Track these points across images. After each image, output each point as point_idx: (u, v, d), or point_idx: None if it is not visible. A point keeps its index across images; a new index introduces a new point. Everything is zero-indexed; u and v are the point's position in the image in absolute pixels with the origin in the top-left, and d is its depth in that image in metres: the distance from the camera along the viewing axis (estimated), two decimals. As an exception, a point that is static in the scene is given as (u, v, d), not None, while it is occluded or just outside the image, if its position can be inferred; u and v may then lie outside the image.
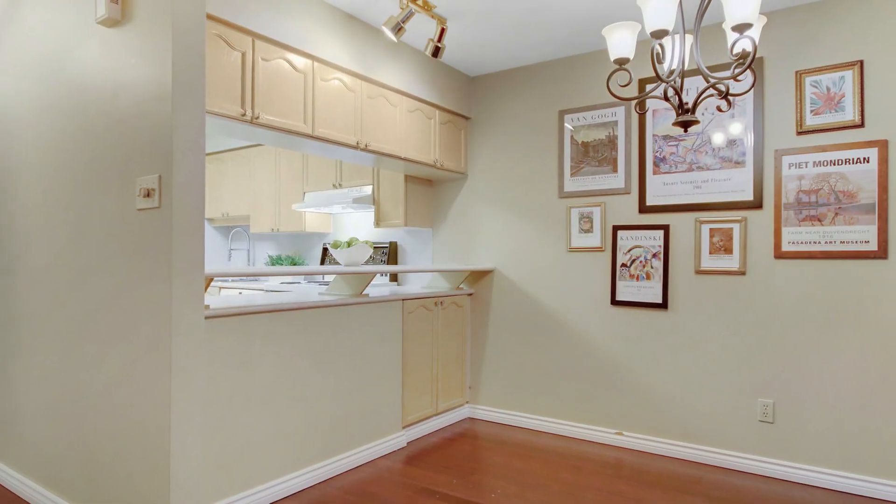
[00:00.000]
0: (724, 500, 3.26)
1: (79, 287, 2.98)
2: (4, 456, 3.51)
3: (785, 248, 3.59)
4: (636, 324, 4.13)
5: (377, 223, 5.16)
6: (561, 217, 4.49)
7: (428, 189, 5.14)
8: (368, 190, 5.26)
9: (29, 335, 3.32)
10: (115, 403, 2.76)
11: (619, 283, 4.20)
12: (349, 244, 3.95)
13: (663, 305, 4.01)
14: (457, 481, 3.53)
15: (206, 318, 2.92)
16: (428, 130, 4.52)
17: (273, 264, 6.37)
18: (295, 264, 6.25)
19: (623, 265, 4.19)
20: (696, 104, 2.40)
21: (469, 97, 4.94)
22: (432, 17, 3.71)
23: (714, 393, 3.82)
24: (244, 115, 3.16)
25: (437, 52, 3.81)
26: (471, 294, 4.93)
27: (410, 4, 3.51)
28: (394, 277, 5.44)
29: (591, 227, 4.34)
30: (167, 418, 2.51)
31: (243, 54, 3.16)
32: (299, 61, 3.48)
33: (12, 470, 3.43)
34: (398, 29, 3.55)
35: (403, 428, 4.24)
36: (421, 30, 4.01)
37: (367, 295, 3.93)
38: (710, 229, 3.84)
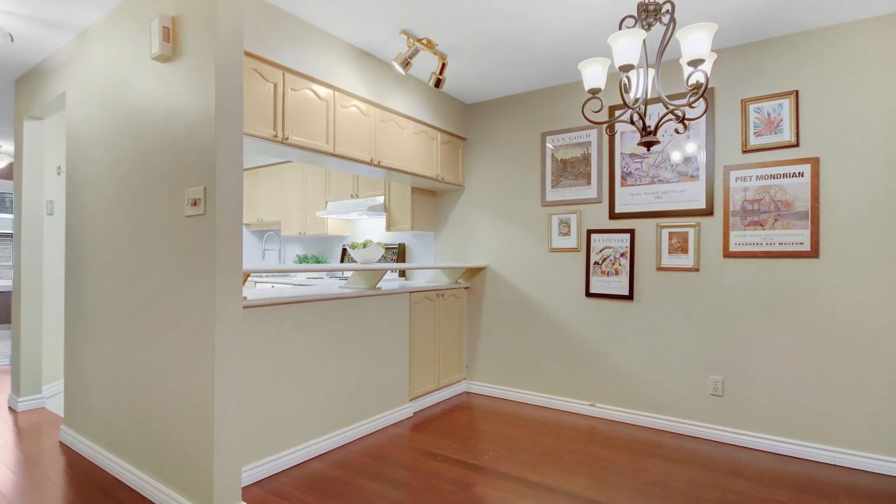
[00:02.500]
0: (681, 461, 3.28)
1: (135, 281, 3.03)
2: (75, 424, 3.55)
3: (732, 248, 3.60)
4: (607, 313, 4.13)
5: (388, 227, 5.15)
6: (543, 222, 4.49)
7: (431, 199, 5.14)
8: (381, 199, 5.25)
9: (94, 321, 3.36)
10: (167, 379, 2.80)
11: (592, 279, 4.21)
12: (364, 245, 3.96)
13: (630, 297, 4.01)
14: (455, 445, 3.54)
15: (244, 308, 2.96)
16: (431, 149, 4.52)
17: (300, 262, 6.36)
18: (318, 262, 6.26)
19: (595, 263, 4.20)
20: (657, 127, 2.40)
21: (466, 121, 4.93)
22: (435, 53, 3.73)
23: (673, 371, 3.83)
24: (276, 136, 3.19)
25: (438, 83, 3.82)
26: (467, 287, 4.93)
27: (416, 43, 3.56)
28: (402, 273, 5.43)
29: (569, 230, 4.34)
30: (211, 393, 2.54)
31: (275, 85, 3.19)
32: (322, 91, 3.50)
33: (81, 436, 3.48)
34: (406, 64, 3.57)
35: (410, 400, 4.24)
36: (425, 64, 4.02)
37: (379, 288, 3.95)
38: (669, 233, 3.84)
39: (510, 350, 4.66)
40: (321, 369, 3.46)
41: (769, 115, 3.51)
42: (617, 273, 4.09)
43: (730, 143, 3.64)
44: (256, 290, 3.64)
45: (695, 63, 2.14)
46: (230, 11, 2.57)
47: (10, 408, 4.33)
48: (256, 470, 3.03)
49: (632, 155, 4.03)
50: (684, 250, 3.80)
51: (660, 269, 3.89)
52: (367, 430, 3.79)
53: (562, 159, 4.40)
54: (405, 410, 4.15)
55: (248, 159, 7.10)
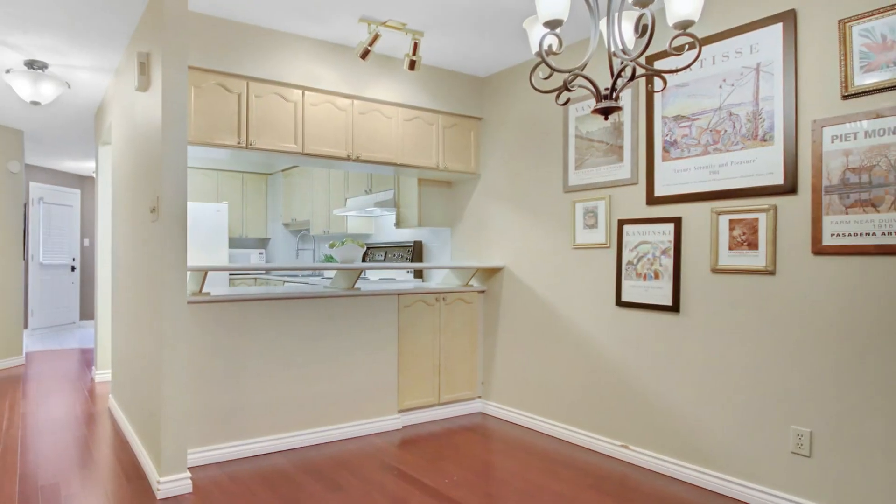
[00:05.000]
0: None
1: (135, 276, 3.16)
2: (114, 393, 3.80)
3: (827, 241, 2.15)
4: (644, 328, 2.81)
5: (397, 224, 4.26)
6: (566, 212, 3.23)
7: (445, 191, 4.13)
8: (391, 194, 4.40)
9: (122, 303, 3.58)
10: (144, 362, 2.90)
11: (624, 283, 2.88)
12: (342, 244, 3.26)
13: (674, 308, 2.64)
14: (426, 465, 2.89)
15: (203, 302, 2.93)
16: (429, 136, 3.64)
17: (326, 261, 5.71)
18: (332, 260, 5.65)
19: (629, 263, 2.86)
20: (618, 85, 1.65)
21: (480, 98, 3.84)
22: (407, 33, 3.11)
23: (735, 414, 2.44)
24: (240, 143, 3.07)
25: (412, 65, 3.22)
26: (482, 291, 3.80)
27: (378, 27, 3.00)
28: (418, 275, 4.50)
29: (596, 222, 3.04)
30: (158, 377, 2.60)
31: (239, 95, 3.07)
32: (289, 93, 3.22)
33: (116, 403, 3.72)
34: (366, 52, 3.06)
35: (399, 412, 3.51)
36: (422, 46, 3.34)
37: (358, 289, 3.38)
38: (731, 220, 2.44)
39: (528, 368, 3.47)
40: (288, 367, 3.18)
41: (885, 37, 2.01)
42: (657, 276, 2.73)
43: (822, 86, 2.18)
44: (229, 287, 3.62)
45: (682, 25, 1.57)
46: (174, 46, 2.59)
47: (91, 378, 5.00)
48: (220, 451, 2.95)
49: (677, 118, 2.65)
50: (752, 245, 2.38)
51: (716, 270, 2.50)
52: (344, 435, 3.31)
53: (587, 131, 3.12)
54: (392, 422, 3.47)
55: (281, 160, 6.95)
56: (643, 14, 1.57)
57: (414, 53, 3.13)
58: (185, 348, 2.63)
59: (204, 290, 3.01)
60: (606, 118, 1.77)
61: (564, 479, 2.65)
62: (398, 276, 4.65)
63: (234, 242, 6.95)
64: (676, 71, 1.69)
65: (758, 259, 2.36)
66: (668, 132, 2.69)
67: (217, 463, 2.90)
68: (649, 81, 2.75)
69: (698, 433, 2.58)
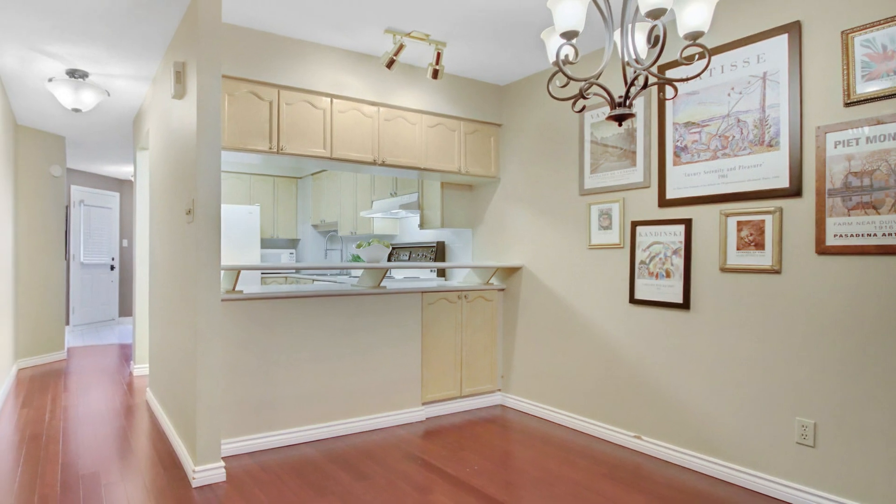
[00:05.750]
0: None
1: (171, 274, 3.25)
2: (151, 386, 3.94)
3: (830, 241, 2.27)
4: (655, 324, 2.94)
5: (421, 226, 4.39)
6: (581, 214, 3.37)
7: (467, 193, 4.27)
8: (415, 197, 4.53)
9: (159, 300, 3.66)
10: (180, 355, 2.98)
11: (637, 281, 3.02)
12: (369, 244, 3.41)
13: (685, 305, 2.78)
14: (447, 454, 2.99)
15: (237, 300, 3.03)
16: (451, 141, 3.77)
17: (354, 261, 5.84)
18: (359, 260, 5.78)
19: (642, 262, 3.00)
20: (630, 94, 1.66)
21: (500, 105, 3.97)
22: (430, 43, 3.22)
23: (742, 406, 2.56)
24: (271, 148, 3.15)
25: (435, 74, 3.27)
26: (502, 290, 3.95)
27: (402, 38, 3.11)
28: (441, 273, 4.63)
29: (610, 223, 3.18)
30: (193, 370, 2.69)
31: (270, 103, 3.15)
32: (318, 100, 3.31)
33: (153, 395, 3.83)
34: (391, 62, 3.16)
35: (423, 404, 3.63)
36: (444, 56, 3.49)
37: (384, 287, 3.48)
38: (738, 222, 2.57)
39: (546, 363, 3.61)
40: (317, 362, 3.29)
41: (885, 48, 2.13)
42: (668, 275, 2.87)
43: (825, 94, 2.29)
44: (264, 285, 3.69)
45: (692, 36, 1.62)
46: (208, 56, 2.66)
47: (129, 372, 5.19)
48: (252, 442, 3.06)
49: (687, 124, 2.79)
50: (759, 245, 2.51)
51: (725, 269, 2.63)
52: (370, 426, 3.43)
53: (602, 137, 3.27)
54: (416, 414, 3.59)
55: (310, 165, 7.04)
56: (655, 25, 1.62)
57: (437, 63, 3.24)
58: (219, 343, 2.70)
59: (237, 288, 3.13)
60: (620, 124, 1.84)
61: (580, 468, 2.77)
62: (422, 275, 4.79)
63: (266, 243, 7.12)
64: (687, 79, 1.74)
65: (764, 259, 2.49)
66: (679, 138, 2.83)
67: (249, 453, 3.01)
68: (661, 89, 2.87)
69: (708, 424, 2.71)
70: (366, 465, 2.86)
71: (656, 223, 2.94)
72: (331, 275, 5.56)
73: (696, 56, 1.66)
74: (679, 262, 2.82)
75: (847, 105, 2.24)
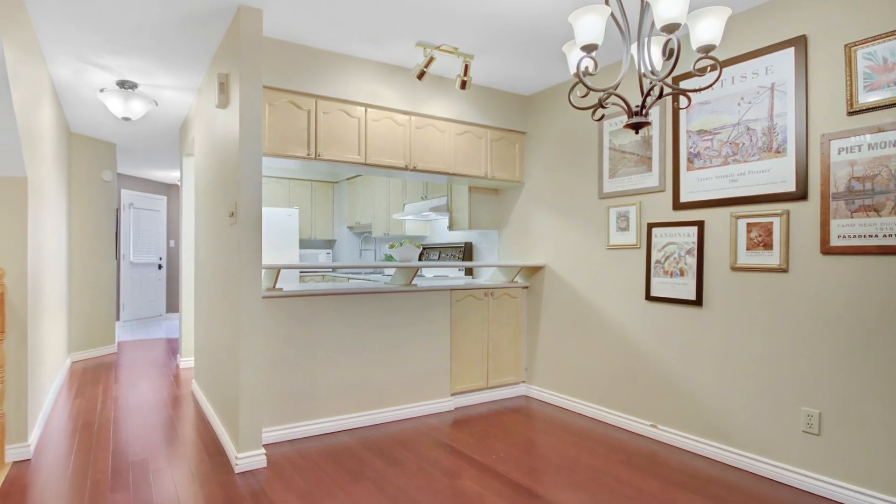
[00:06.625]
0: None
1: (215, 273, 3.36)
2: (197, 378, 4.07)
3: (834, 242, 2.42)
4: (670, 319, 3.12)
5: (449, 227, 4.58)
6: (601, 217, 3.56)
7: (493, 197, 4.47)
8: (444, 200, 4.73)
9: (204, 297, 3.78)
10: (222, 348, 3.10)
11: (653, 280, 3.20)
12: (401, 245, 3.60)
13: (697, 302, 2.95)
14: (473, 442, 3.14)
15: (277, 297, 3.16)
16: (478, 148, 3.94)
17: (387, 260, 6.07)
18: (391, 260, 5.97)
19: (657, 262, 3.18)
20: (649, 103, 1.71)
21: (525, 114, 4.17)
22: (458, 56, 3.35)
23: (752, 397, 2.73)
24: (309, 154, 3.27)
25: (464, 85, 3.39)
26: (526, 287, 4.15)
27: (432, 51, 3.24)
28: (469, 272, 4.82)
29: (628, 225, 3.36)
30: (236, 363, 2.80)
31: (308, 112, 3.27)
32: (353, 109, 3.43)
33: (199, 386, 3.99)
34: (421, 74, 3.28)
35: (452, 395, 3.80)
36: (472, 68, 3.65)
37: (415, 285, 3.63)
38: (748, 224, 2.74)
39: (568, 356, 3.81)
40: (352, 355, 3.43)
41: (885, 60, 2.28)
42: (682, 273, 3.05)
43: (829, 103, 2.45)
44: (301, 283, 3.79)
45: (705, 49, 1.68)
46: (250, 68, 2.80)
47: (176, 364, 5.38)
48: (291, 430, 3.20)
49: (700, 132, 2.97)
50: (767, 245, 2.67)
51: (735, 268, 2.80)
52: (402, 416, 3.60)
53: (620, 144, 3.46)
54: (445, 404, 3.78)
55: (346, 170, 7.21)
56: (670, 39, 1.70)
57: (465, 74, 3.38)
58: (261, 338, 2.80)
59: (277, 286, 3.24)
60: (637, 132, 1.91)
61: (599, 455, 2.93)
62: (451, 274, 4.97)
63: (304, 243, 7.35)
64: (700, 90, 1.78)
65: (772, 258, 2.66)
66: (693, 145, 3.01)
67: (289, 440, 3.14)
68: (675, 99, 3.04)
69: (719, 414, 2.88)
70: (398, 451, 2.99)
71: (671, 225, 3.12)
72: (365, 273, 5.78)
73: (709, 68, 1.75)
74: (692, 261, 3.00)
75: (850, 114, 2.39)
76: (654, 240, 3.22)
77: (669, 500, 2.39)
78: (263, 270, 3.13)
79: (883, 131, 2.30)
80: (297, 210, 6.38)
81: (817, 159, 2.51)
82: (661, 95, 1.81)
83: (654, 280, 3.21)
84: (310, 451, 2.99)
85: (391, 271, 5.71)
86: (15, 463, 2.85)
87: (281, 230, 6.19)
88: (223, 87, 3.01)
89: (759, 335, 2.72)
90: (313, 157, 3.27)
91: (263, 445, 2.99)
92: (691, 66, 1.76)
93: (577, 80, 1.85)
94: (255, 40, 2.79)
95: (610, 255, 3.51)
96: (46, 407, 3.61)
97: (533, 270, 4.13)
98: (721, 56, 2.86)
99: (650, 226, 3.24)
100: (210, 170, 3.54)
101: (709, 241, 2.94)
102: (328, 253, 7.35)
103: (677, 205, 3.08)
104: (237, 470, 2.71)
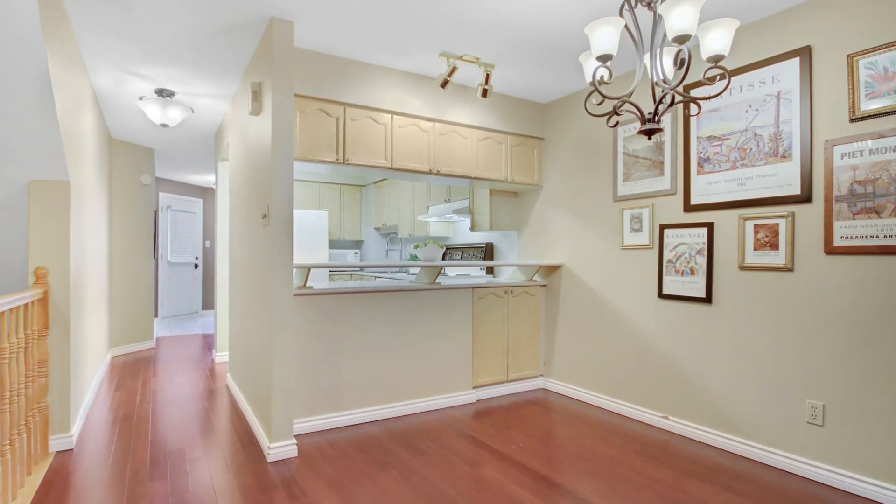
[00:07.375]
0: (767, 502, 2.37)
1: (248, 272, 3.47)
2: (232, 372, 4.20)
3: (837, 242, 2.55)
4: (681, 316, 3.26)
5: (471, 228, 4.75)
6: (615, 218, 3.72)
7: (513, 199, 4.63)
8: (466, 202, 4.89)
9: (238, 295, 3.90)
10: (256, 344, 3.20)
11: (665, 278, 3.35)
12: (425, 245, 3.78)
13: (707, 300, 3.10)
14: (494, 432, 3.25)
15: (309, 294, 3.26)
16: (499, 153, 4.08)
17: (412, 260, 6.19)
18: (416, 259, 6.11)
19: (669, 261, 3.33)
20: (660, 111, 1.80)
21: (542, 121, 4.33)
22: (480, 66, 3.46)
23: (759, 390, 2.86)
24: (338, 159, 3.36)
25: (485, 93, 3.50)
26: (544, 285, 4.31)
27: (455, 61, 3.35)
28: (490, 271, 4.97)
29: (641, 226, 3.52)
30: (269, 358, 2.88)
31: (337, 119, 3.36)
32: (380, 116, 3.52)
33: (233, 380, 4.10)
34: (444, 82, 3.39)
35: (473, 388, 3.94)
36: (493, 77, 3.74)
37: (438, 283, 3.76)
38: (755, 225, 2.87)
39: (584, 350, 3.96)
40: (379, 350, 3.53)
41: (886, 70, 2.41)
42: (692, 272, 3.19)
43: (833, 111, 2.58)
44: (331, 281, 3.82)
45: (714, 59, 1.73)
46: (282, 77, 2.89)
47: (212, 359, 5.53)
48: (320, 421, 3.30)
49: (710, 138, 3.11)
50: (774, 246, 2.81)
51: (743, 267, 2.93)
52: (426, 408, 3.72)
53: (633, 149, 3.61)
54: (467, 396, 3.91)
55: (372, 175, 7.33)
56: (681, 49, 1.75)
57: (486, 83, 3.50)
58: (292, 334, 2.88)
59: (307, 285, 3.36)
60: (650, 138, 1.98)
61: (614, 445, 3.04)
62: (472, 273, 5.11)
63: (333, 244, 7.50)
64: (709, 98, 1.83)
65: (778, 258, 2.79)
66: (702, 150, 3.15)
67: (318, 431, 3.25)
68: (686, 107, 3.18)
69: (728, 406, 3.02)
70: (422, 442, 3.08)
71: (682, 226, 3.27)
72: (391, 272, 5.96)
73: (718, 77, 1.85)
74: (702, 261, 3.15)
75: (852, 121, 2.51)
76: (666, 240, 3.37)
77: (681, 489, 2.51)
78: (294, 269, 3.21)
79: (884, 137, 2.42)
80: (326, 212, 6.50)
81: (821, 164, 2.63)
82: (672, 103, 1.90)
83: (666, 279, 3.36)
84: (338, 442, 3.08)
85: (416, 270, 5.88)
86: (58, 452, 2.96)
87: (311, 231, 6.33)
88: (256, 96, 3.09)
89: (766, 331, 2.85)
90: (342, 161, 3.37)
91: (294, 436, 3.08)
92: (701, 76, 1.83)
93: (592, 88, 1.94)
94: (287, 51, 2.88)
95: (624, 255, 3.67)
96: (88, 399, 3.70)
97: (551, 269, 4.30)
98: (730, 66, 2.99)
99: (662, 227, 3.39)
100: (244, 174, 3.65)
101: (718, 242, 3.08)
102: (356, 253, 7.49)
103: (688, 207, 3.23)
104: (269, 459, 2.81)
